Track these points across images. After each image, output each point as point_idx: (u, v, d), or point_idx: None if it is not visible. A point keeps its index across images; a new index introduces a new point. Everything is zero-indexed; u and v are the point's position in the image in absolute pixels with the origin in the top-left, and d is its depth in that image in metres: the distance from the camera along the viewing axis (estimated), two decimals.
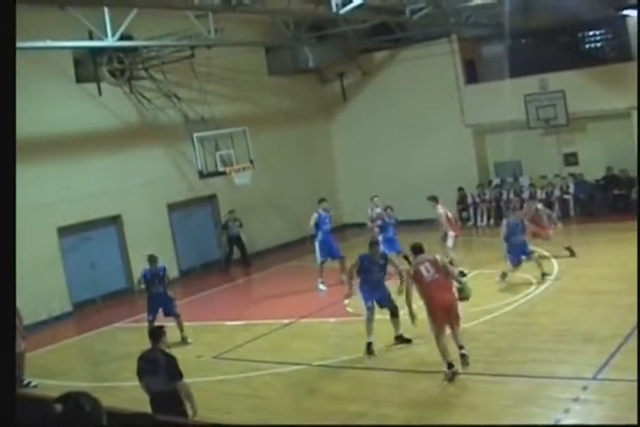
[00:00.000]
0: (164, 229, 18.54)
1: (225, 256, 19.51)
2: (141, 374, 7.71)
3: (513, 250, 14.24)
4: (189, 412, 7.50)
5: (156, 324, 11.38)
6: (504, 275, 14.09)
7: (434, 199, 16.09)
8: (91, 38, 15.09)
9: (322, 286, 15.53)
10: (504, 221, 14.78)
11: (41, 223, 15.48)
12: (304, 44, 19.90)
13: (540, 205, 16.68)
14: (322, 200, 16.41)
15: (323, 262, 15.70)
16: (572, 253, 15.69)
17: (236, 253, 19.42)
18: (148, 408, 7.35)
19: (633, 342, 9.66)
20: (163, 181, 18.38)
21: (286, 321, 13.51)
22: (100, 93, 17.27)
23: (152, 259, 12.87)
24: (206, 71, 18.03)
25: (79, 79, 17.06)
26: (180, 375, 7.49)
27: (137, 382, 8.05)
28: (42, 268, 15.38)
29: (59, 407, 3.40)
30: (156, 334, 7.88)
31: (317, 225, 15.80)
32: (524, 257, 14.18)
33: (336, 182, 24.06)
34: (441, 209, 15.94)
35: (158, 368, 7.51)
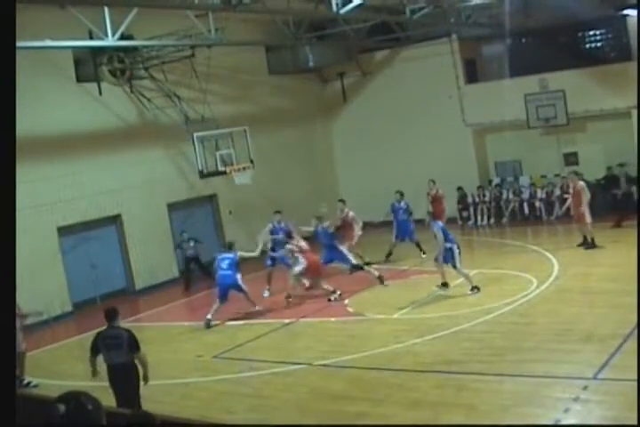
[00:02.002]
0: (164, 229, 18.54)
1: (183, 277, 18.10)
2: (102, 349, 8.68)
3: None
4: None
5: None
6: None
7: (342, 201, 17.06)
8: (91, 38, 15.08)
9: (266, 293, 15.53)
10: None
11: (41, 223, 15.49)
12: (304, 43, 19.89)
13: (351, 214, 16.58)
14: (277, 212, 16.26)
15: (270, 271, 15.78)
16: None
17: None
18: (147, 408, 7.34)
19: (633, 341, 9.66)
20: (163, 181, 18.38)
21: (287, 321, 13.51)
22: (100, 93, 17.28)
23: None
24: (206, 71, 18.02)
25: (79, 79, 17.06)
26: (139, 346, 8.61)
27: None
28: (42, 268, 15.38)
29: (61, 408, 3.40)
30: (113, 313, 8.76)
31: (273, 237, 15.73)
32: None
33: (336, 182, 24.06)
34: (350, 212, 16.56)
35: (122, 342, 8.52)
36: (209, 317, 13.58)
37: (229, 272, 13.82)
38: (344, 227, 16.29)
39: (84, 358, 8.91)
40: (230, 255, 14.01)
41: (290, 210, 17.56)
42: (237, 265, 13.97)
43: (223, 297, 13.81)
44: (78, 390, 3.69)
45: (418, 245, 17.55)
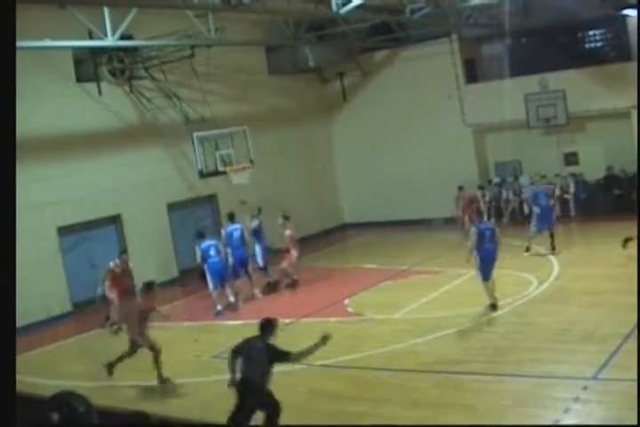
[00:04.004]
0: (164, 229, 18.53)
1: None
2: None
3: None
4: None
5: None
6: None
7: (286, 218, 16.29)
8: (91, 38, 15.07)
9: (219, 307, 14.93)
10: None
11: (41, 223, 15.48)
12: (304, 43, 19.89)
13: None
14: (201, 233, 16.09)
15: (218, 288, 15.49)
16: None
17: None
18: (146, 408, 7.33)
19: (633, 341, 9.67)
20: (163, 181, 18.37)
21: (287, 321, 13.50)
22: (100, 93, 17.27)
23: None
24: (206, 71, 18.01)
25: (79, 79, 17.05)
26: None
27: (136, 382, 8.04)
28: (42, 268, 15.36)
29: (55, 417, 3.39)
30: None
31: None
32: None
33: (336, 182, 24.06)
34: (288, 231, 16.09)
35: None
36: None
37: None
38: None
39: (83, 358, 8.95)
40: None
41: (290, 210, 17.55)
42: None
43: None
44: (68, 390, 3.68)
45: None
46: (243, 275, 15.99)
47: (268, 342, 7.97)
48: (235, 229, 15.73)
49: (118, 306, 13.90)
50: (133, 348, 10.97)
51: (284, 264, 16.02)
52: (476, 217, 14.32)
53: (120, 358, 11.03)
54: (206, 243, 15.03)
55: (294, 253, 16.02)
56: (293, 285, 16.03)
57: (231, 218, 16.02)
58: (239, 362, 7.88)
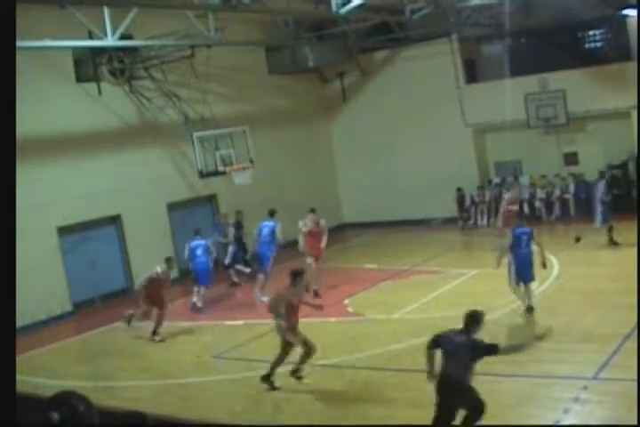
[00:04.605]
0: (164, 229, 18.53)
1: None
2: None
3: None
4: None
5: None
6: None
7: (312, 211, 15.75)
8: (91, 38, 15.07)
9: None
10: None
11: (41, 223, 15.47)
12: (304, 43, 19.89)
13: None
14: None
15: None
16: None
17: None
18: (145, 408, 7.32)
19: (633, 341, 9.67)
20: (163, 181, 18.37)
21: None
22: (99, 93, 17.27)
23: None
24: (206, 71, 18.01)
25: (79, 79, 17.05)
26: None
27: (136, 382, 8.03)
28: (42, 268, 15.35)
29: (55, 416, 3.39)
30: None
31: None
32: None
33: (336, 182, 24.06)
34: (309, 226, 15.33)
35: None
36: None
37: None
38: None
39: (83, 358, 8.95)
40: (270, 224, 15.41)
41: (290, 210, 17.57)
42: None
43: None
44: (68, 390, 3.68)
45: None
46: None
47: (472, 336, 7.23)
48: (199, 244, 15.24)
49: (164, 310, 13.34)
50: (286, 349, 9.96)
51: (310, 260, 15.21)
52: (516, 220, 13.26)
53: (276, 365, 9.93)
54: (195, 242, 15.25)
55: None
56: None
57: (197, 233, 15.54)
58: (437, 355, 7.22)
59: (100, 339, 14.12)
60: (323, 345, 11.81)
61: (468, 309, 7.48)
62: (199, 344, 12.68)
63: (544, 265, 12.12)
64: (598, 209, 16.61)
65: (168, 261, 13.62)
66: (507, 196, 18.39)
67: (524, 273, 12.00)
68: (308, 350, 9.86)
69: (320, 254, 15.29)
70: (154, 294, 13.24)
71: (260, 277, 15.41)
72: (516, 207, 17.84)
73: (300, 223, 15.44)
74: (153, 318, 13.34)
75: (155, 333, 13.16)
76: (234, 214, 18.01)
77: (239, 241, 18.04)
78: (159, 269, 13.31)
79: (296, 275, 10.04)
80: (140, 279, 13.78)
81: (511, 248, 12.05)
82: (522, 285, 12.07)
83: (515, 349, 7.64)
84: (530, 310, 11.99)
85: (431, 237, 20.89)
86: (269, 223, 15.46)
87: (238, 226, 17.94)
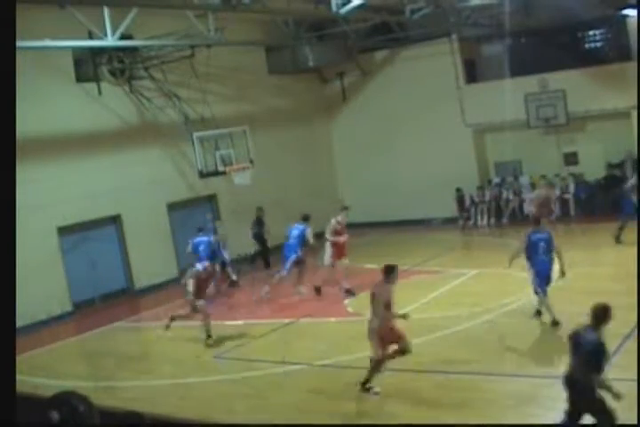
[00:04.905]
0: (164, 229, 18.53)
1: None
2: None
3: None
4: None
5: None
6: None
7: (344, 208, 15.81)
8: (91, 38, 15.07)
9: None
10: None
11: (41, 223, 15.47)
12: (304, 43, 19.88)
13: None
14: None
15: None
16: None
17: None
18: (145, 408, 7.32)
19: (633, 341, 9.67)
20: (163, 181, 18.37)
21: (287, 321, 13.51)
22: (99, 93, 17.27)
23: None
24: (206, 71, 18.01)
25: (79, 79, 17.05)
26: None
27: (136, 382, 8.02)
28: (42, 268, 15.35)
29: (55, 416, 3.39)
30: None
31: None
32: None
33: (336, 182, 24.06)
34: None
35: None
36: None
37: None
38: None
39: (83, 358, 8.96)
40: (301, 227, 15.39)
41: (290, 210, 17.57)
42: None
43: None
44: (68, 390, 3.68)
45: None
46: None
47: (600, 334, 6.85)
48: (202, 241, 16.01)
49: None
50: (385, 348, 9.33)
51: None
52: (541, 218, 12.47)
53: (375, 369, 9.32)
54: (198, 239, 15.93)
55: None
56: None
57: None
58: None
59: (100, 339, 14.12)
60: (323, 345, 11.86)
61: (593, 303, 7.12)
62: (199, 344, 12.66)
63: (563, 273, 11.40)
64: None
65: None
66: (532, 195, 18.20)
67: (541, 283, 11.36)
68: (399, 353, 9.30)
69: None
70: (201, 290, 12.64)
71: (277, 275, 15.60)
72: (548, 206, 17.15)
73: (333, 221, 15.28)
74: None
75: (209, 336, 12.55)
76: (255, 211, 18.39)
77: (260, 238, 18.15)
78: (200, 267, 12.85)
79: (389, 271, 9.70)
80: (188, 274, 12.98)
81: (527, 255, 11.40)
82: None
83: (609, 389, 6.87)
84: (555, 323, 11.04)
85: (431, 237, 20.89)
86: (300, 226, 15.60)
87: (259, 222, 18.09)
